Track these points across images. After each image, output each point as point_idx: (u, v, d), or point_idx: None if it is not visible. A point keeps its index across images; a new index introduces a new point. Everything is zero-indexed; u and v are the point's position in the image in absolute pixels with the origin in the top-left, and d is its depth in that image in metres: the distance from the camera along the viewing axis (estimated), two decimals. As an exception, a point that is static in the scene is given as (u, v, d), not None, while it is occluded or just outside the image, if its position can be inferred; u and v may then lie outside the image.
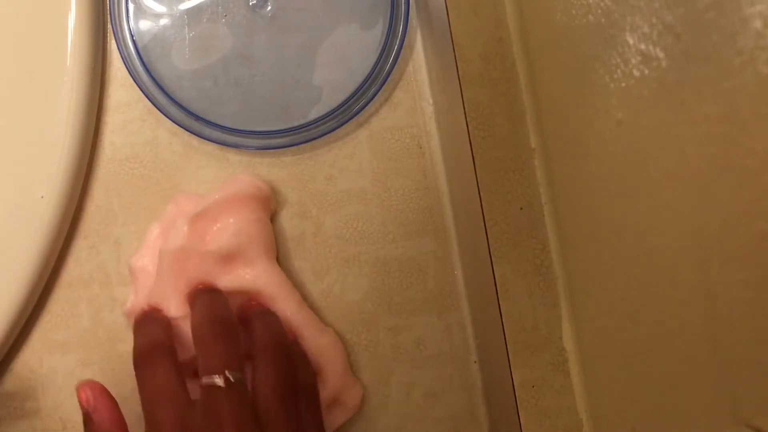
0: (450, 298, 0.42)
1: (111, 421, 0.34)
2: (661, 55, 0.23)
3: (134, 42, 0.40)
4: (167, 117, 0.40)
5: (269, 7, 0.40)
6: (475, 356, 0.41)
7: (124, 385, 0.38)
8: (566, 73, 0.32)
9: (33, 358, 0.41)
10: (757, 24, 0.18)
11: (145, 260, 0.39)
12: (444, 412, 0.41)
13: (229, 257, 0.38)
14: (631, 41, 0.25)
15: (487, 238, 0.36)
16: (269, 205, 0.41)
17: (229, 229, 0.38)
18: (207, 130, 0.40)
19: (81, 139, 0.39)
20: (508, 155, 0.36)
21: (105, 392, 0.35)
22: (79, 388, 0.35)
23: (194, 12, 0.40)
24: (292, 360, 0.36)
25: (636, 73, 0.25)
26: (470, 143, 0.36)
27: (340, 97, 0.40)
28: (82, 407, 0.34)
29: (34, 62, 0.39)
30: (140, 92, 0.40)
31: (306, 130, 0.40)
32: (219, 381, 0.32)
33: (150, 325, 0.37)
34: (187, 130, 0.40)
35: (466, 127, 0.36)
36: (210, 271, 0.38)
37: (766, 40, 0.18)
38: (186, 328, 0.37)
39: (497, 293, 0.36)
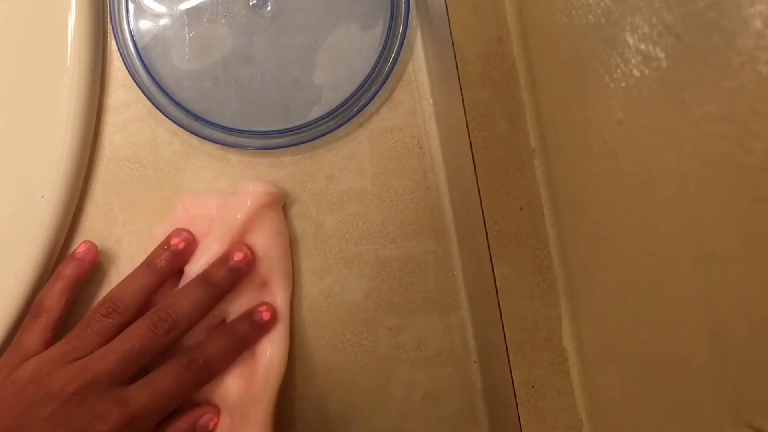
0: (450, 298, 0.41)
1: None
2: (661, 55, 0.23)
3: (134, 42, 0.40)
4: (167, 117, 0.40)
5: (269, 7, 0.40)
6: (475, 356, 0.41)
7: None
8: (566, 73, 0.32)
9: (33, 358, 0.41)
10: (757, 24, 0.18)
11: None
12: (444, 412, 0.41)
13: (260, 286, 0.39)
14: (631, 41, 0.25)
15: (487, 238, 0.36)
16: (282, 204, 0.41)
17: (256, 254, 0.39)
18: (207, 130, 0.40)
19: (81, 139, 0.39)
20: (508, 155, 0.36)
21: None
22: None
23: (194, 12, 0.40)
24: None
25: (636, 73, 0.25)
26: (470, 143, 0.36)
27: (340, 97, 0.40)
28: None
29: (34, 62, 0.39)
30: (140, 92, 0.40)
31: (306, 130, 0.40)
32: None
33: None
34: (187, 130, 0.40)
35: (466, 127, 0.36)
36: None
37: (766, 40, 0.18)
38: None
39: (497, 293, 0.36)
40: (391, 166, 0.42)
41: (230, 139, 0.40)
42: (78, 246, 0.39)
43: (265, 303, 0.39)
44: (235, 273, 0.37)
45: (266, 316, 0.38)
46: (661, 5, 0.23)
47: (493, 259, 0.36)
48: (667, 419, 0.28)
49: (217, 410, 0.37)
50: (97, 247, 0.39)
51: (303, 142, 0.41)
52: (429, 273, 0.42)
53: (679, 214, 0.24)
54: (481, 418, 0.41)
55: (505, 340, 0.35)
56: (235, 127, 0.40)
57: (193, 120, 0.40)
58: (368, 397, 0.41)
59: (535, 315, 0.36)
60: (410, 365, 0.41)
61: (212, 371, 0.36)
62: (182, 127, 0.40)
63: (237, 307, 0.38)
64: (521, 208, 0.36)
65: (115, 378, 0.33)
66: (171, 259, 0.38)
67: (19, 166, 0.39)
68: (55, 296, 0.37)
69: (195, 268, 0.38)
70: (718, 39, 0.20)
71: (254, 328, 0.38)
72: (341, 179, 0.42)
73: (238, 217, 0.38)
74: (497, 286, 0.36)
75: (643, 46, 0.24)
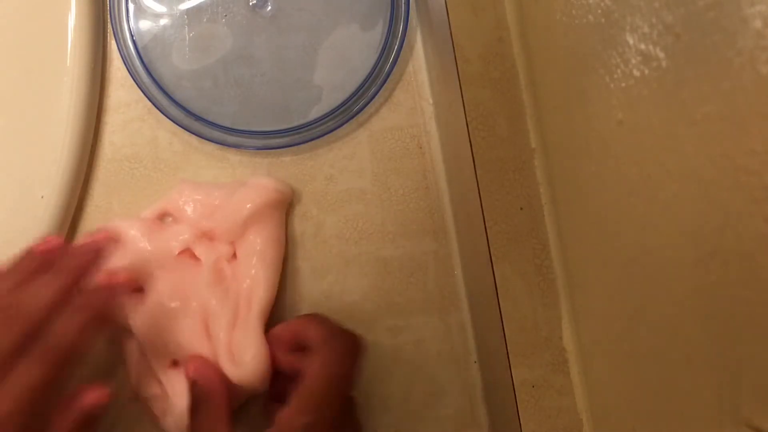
0: (450, 298, 0.41)
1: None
2: (661, 55, 0.23)
3: (134, 42, 0.40)
4: (167, 117, 0.40)
5: (269, 7, 0.40)
6: (475, 356, 0.41)
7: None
8: (566, 73, 0.32)
9: (33, 358, 0.41)
10: (757, 24, 0.18)
11: (134, 231, 0.39)
12: (444, 412, 0.41)
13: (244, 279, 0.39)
14: (631, 41, 0.25)
15: (487, 238, 0.36)
16: (286, 208, 0.41)
17: (252, 257, 0.38)
18: (207, 130, 0.40)
19: (81, 139, 0.39)
20: (508, 155, 0.36)
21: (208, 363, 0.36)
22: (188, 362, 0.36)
23: (194, 12, 0.40)
24: None
25: (636, 73, 0.25)
26: (470, 143, 0.36)
27: (341, 97, 0.40)
28: (187, 377, 0.36)
29: (34, 62, 0.39)
30: (140, 92, 0.40)
31: (306, 130, 0.40)
32: None
33: None
34: (187, 130, 0.40)
35: (466, 127, 0.36)
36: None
37: (766, 40, 0.18)
38: None
39: (497, 293, 0.36)
40: (391, 166, 0.42)
41: (230, 139, 0.40)
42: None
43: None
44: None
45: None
46: (661, 5, 0.23)
47: (493, 259, 0.36)
48: (666, 419, 0.28)
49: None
50: None
51: (303, 142, 0.41)
52: (429, 273, 0.42)
53: (679, 214, 0.24)
54: (481, 418, 0.41)
55: (505, 340, 0.35)
56: (235, 127, 0.40)
57: (193, 120, 0.40)
58: (368, 397, 0.41)
59: (535, 315, 0.36)
60: (410, 365, 0.41)
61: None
62: (182, 127, 0.40)
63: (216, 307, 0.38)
64: (521, 208, 0.36)
65: None
66: None
67: (19, 166, 0.39)
68: None
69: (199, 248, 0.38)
70: (718, 39, 0.20)
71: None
72: (341, 179, 0.42)
73: (247, 206, 0.38)
74: (497, 286, 0.36)
75: (643, 46, 0.24)
